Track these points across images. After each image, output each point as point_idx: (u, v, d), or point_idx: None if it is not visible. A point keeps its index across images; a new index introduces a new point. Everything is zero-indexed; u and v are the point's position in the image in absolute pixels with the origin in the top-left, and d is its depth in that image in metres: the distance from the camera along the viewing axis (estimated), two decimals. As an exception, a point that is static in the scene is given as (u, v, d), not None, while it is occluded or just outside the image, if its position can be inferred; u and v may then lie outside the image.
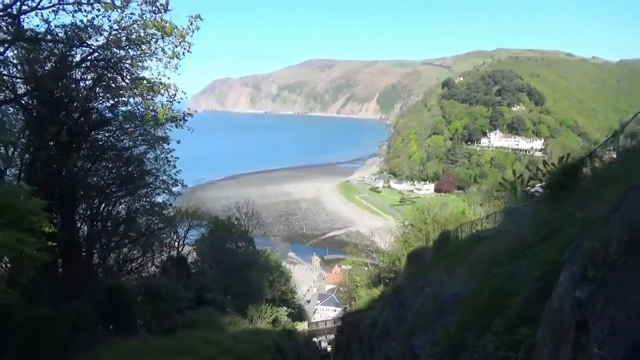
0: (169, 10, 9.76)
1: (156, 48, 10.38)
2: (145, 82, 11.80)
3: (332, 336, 37.26)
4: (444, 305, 8.15)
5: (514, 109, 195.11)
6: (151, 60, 10.86)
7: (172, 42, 10.18)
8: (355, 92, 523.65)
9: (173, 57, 10.44)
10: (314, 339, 36.33)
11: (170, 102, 11.51)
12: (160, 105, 11.44)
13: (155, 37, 10.12)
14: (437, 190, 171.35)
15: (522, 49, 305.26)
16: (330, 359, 34.11)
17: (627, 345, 2.08)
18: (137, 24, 9.96)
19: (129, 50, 10.63)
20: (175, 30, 9.91)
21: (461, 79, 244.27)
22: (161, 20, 9.71)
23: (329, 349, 37.30)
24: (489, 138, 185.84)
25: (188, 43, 10.26)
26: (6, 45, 11.90)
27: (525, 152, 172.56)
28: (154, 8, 9.70)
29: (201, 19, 9.99)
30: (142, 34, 10.06)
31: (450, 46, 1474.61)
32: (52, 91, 12.12)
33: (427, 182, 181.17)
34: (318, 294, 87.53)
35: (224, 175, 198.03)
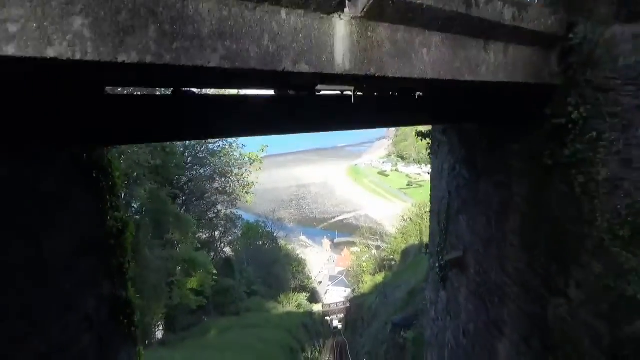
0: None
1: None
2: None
3: (342, 315, 44.16)
4: (396, 302, 15.53)
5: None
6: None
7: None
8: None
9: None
10: (327, 318, 43.52)
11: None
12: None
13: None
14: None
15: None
16: (340, 334, 41.08)
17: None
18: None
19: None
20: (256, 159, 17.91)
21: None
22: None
23: (339, 326, 44.21)
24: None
25: (261, 160, 18.15)
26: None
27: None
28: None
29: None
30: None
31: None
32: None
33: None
34: (329, 275, 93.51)
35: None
